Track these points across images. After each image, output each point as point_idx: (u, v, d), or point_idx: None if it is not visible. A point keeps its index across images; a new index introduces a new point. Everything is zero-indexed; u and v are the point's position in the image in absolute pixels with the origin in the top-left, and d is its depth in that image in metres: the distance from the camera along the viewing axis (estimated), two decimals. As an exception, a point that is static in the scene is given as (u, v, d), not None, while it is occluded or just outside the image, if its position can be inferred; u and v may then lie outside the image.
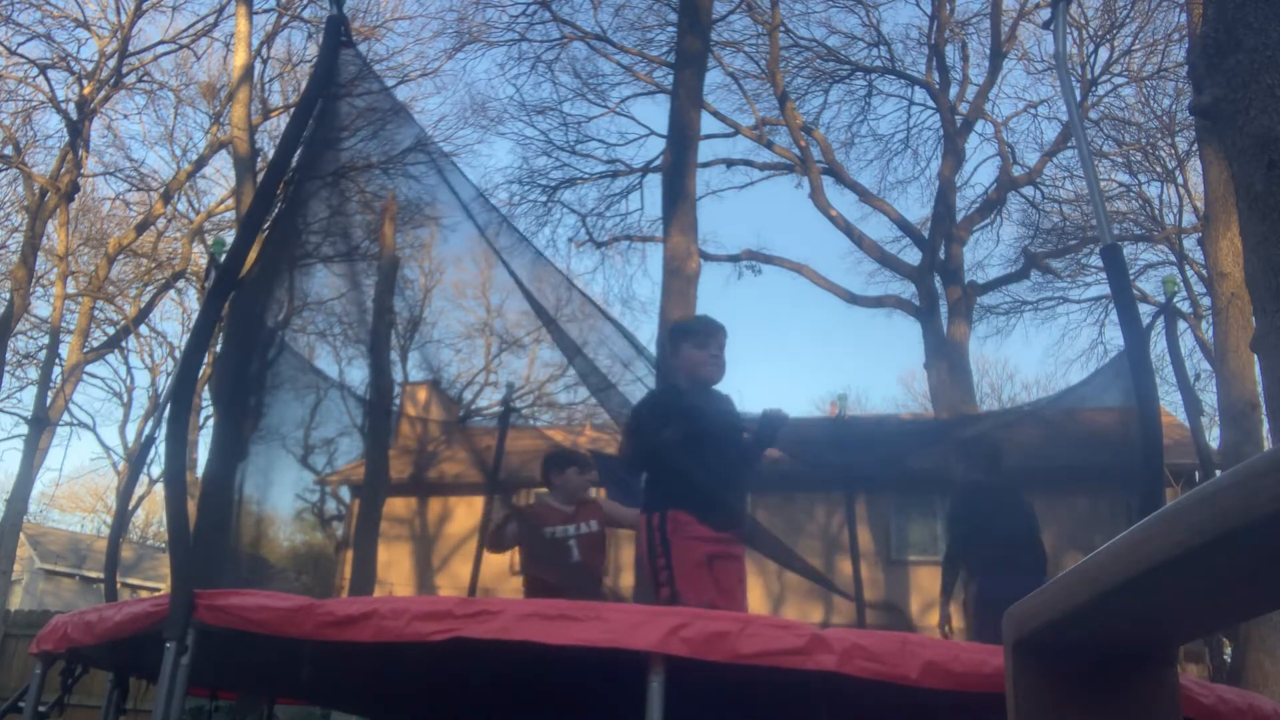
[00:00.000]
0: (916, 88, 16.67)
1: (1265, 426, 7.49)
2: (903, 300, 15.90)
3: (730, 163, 17.62)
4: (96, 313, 20.20)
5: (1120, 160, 17.03)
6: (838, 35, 16.72)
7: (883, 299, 16.45)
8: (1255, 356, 4.53)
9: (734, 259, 16.88)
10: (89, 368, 21.35)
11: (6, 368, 17.95)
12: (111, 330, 21.52)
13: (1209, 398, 14.73)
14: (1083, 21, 15.38)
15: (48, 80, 17.19)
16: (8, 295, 17.37)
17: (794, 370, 52.48)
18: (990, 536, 4.62)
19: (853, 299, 16.33)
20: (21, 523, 17.48)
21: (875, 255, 16.19)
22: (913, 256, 15.92)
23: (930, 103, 16.44)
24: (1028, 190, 17.12)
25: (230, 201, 18.29)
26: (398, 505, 15.60)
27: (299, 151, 3.64)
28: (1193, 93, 3.80)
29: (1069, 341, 46.61)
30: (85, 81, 17.20)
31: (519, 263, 4.45)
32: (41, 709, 3.75)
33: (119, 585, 10.99)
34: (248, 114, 13.19)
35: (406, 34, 33.12)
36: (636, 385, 4.32)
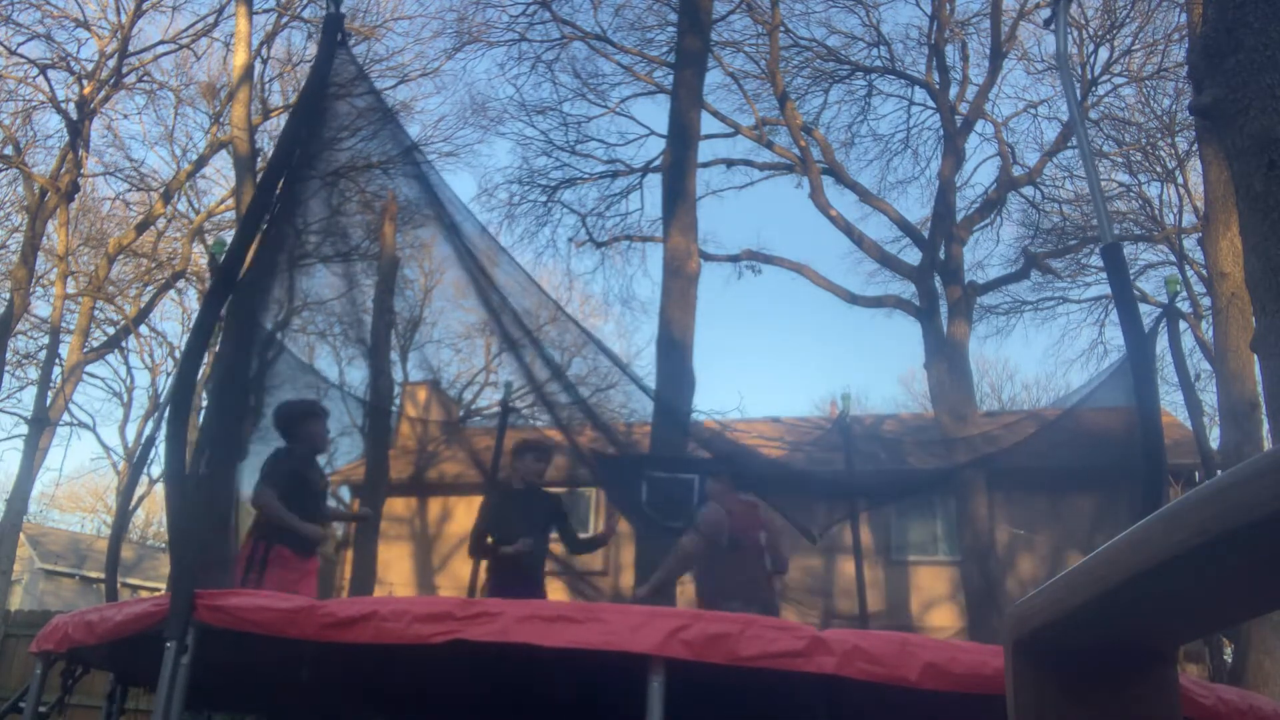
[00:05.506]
0: (916, 88, 16.65)
1: (1265, 426, 7.48)
2: (903, 300, 15.86)
3: (730, 163, 17.61)
4: (96, 313, 20.18)
5: (1120, 160, 17.01)
6: (838, 35, 16.72)
7: (883, 299, 16.41)
8: (1255, 356, 4.52)
9: (734, 259, 16.86)
10: (89, 368, 21.34)
11: (6, 368, 17.93)
12: (111, 330, 21.51)
13: (1209, 398, 14.76)
14: (1083, 21, 15.36)
15: (48, 80, 17.19)
16: (8, 295, 17.36)
17: (794, 370, 52.51)
18: None
19: (853, 299, 16.30)
20: (21, 523, 17.46)
21: (875, 255, 16.16)
22: (913, 256, 15.88)
23: (930, 103, 16.41)
24: (1028, 190, 17.10)
25: (230, 201, 18.28)
26: (398, 505, 15.60)
27: (297, 151, 3.64)
28: (1193, 93, 3.80)
29: (1069, 341, 46.73)
30: (85, 81, 17.19)
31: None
32: (42, 709, 3.75)
33: (119, 585, 10.96)
34: (248, 114, 13.18)
35: (406, 34, 33.13)
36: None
